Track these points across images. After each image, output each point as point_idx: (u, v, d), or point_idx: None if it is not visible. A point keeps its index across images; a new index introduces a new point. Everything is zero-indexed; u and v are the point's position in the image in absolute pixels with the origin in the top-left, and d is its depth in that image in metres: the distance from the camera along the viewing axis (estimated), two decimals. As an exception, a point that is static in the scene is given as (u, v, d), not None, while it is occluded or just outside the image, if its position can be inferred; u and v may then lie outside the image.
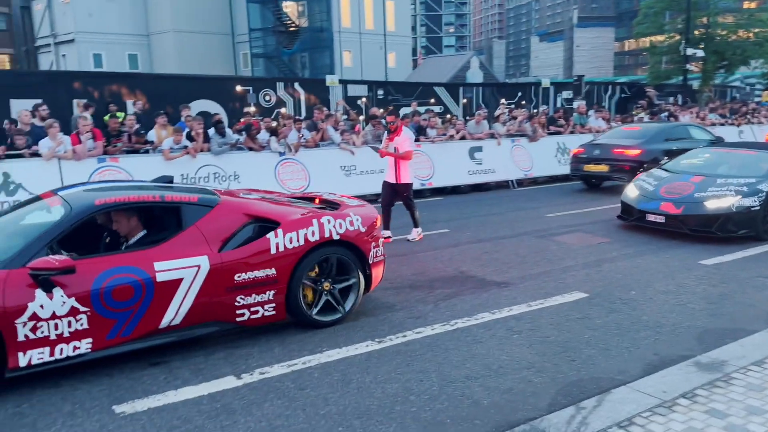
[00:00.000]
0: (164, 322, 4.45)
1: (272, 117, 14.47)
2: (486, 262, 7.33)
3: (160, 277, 4.39)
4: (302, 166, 11.67)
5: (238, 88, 16.65)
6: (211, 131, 11.14)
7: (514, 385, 4.09)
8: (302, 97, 17.42)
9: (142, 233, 4.84)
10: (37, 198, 5.08)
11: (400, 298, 6.00)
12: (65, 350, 4.10)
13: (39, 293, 3.97)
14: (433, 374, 4.26)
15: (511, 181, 14.28)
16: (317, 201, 5.98)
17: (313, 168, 11.73)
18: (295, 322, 5.12)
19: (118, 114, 11.13)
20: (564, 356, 4.56)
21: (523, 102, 21.26)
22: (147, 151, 10.67)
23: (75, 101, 13.29)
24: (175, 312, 4.47)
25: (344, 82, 18.20)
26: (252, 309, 4.81)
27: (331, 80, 17.01)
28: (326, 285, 5.15)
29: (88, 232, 4.84)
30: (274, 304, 4.90)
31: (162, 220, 4.93)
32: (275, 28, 37.91)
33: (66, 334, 4.09)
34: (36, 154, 9.56)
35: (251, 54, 39.05)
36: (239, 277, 4.70)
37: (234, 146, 11.20)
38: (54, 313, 4.02)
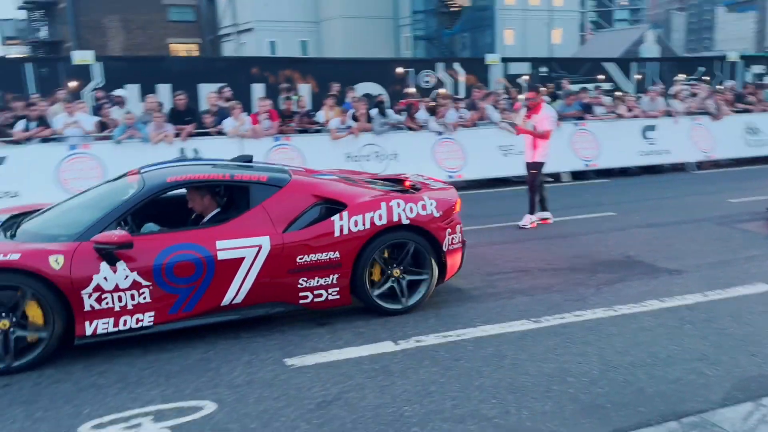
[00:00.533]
0: (226, 300, 4.51)
1: (431, 97, 14.59)
2: (657, 248, 6.84)
3: (221, 256, 4.44)
4: (459, 146, 11.67)
5: (399, 69, 16.98)
6: (374, 111, 11.52)
7: (683, 376, 3.81)
8: (461, 78, 17.35)
9: (215, 211, 4.90)
10: (124, 175, 5.16)
11: (558, 279, 5.82)
12: (128, 322, 4.28)
13: (103, 266, 4.16)
14: (593, 357, 4.11)
15: (689, 163, 13.11)
16: (406, 184, 5.70)
17: (470, 147, 11.68)
18: (364, 307, 4.98)
19: (293, 97, 11.89)
20: (743, 350, 4.15)
21: (706, 77, 19.31)
22: (318, 131, 11.31)
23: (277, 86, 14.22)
24: (236, 291, 4.51)
25: (506, 60, 17.80)
26: (315, 292, 4.74)
27: (491, 59, 16.72)
28: (396, 271, 4.94)
29: (172, 209, 5.03)
30: (338, 288, 4.79)
31: (232, 198, 4.98)
32: (438, 9, 38.03)
33: (129, 307, 4.25)
34: (221, 133, 10.56)
35: (413, 36, 39.58)
36: (301, 259, 4.65)
37: (395, 126, 11.50)
38: (117, 285, 4.19)
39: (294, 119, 11.33)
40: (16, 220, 4.92)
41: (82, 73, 13.95)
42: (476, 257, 6.46)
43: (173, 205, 5.03)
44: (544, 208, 8.27)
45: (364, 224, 4.79)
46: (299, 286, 4.69)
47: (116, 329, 4.27)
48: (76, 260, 4.11)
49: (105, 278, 4.16)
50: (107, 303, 4.20)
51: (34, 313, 4.07)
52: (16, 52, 35.94)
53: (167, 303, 4.36)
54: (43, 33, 39.77)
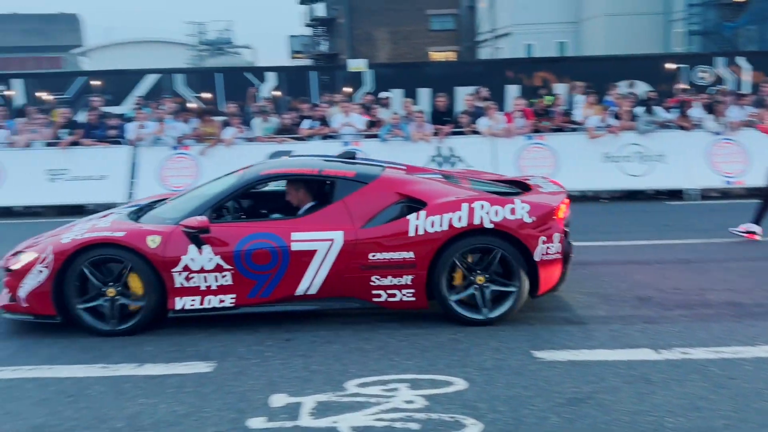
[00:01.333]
0: (300, 289, 4.63)
1: (708, 93, 13.09)
2: None
3: (295, 247, 4.57)
4: (742, 148, 10.27)
5: (670, 65, 15.55)
6: (638, 110, 10.73)
7: None
8: (746, 74, 15.23)
9: (310, 204, 5.00)
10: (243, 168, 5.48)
11: None
12: (212, 301, 4.61)
13: (191, 248, 4.53)
14: None
15: None
16: (528, 185, 5.28)
17: (755, 150, 10.17)
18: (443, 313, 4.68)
19: (547, 98, 11.68)
20: None
21: None
22: (574, 130, 10.94)
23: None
24: (309, 282, 4.61)
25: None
26: (389, 291, 4.63)
27: (788, 50, 14.37)
28: (480, 278, 4.58)
29: (276, 200, 5.32)
30: (413, 290, 4.62)
31: (321, 192, 5.06)
32: (719, 1, 33.92)
33: (213, 287, 4.59)
34: (476, 132, 10.83)
35: (687, 31, 35.88)
36: (373, 256, 4.57)
37: (663, 125, 10.57)
38: (202, 267, 4.54)
39: (549, 118, 11.11)
40: (153, 205, 5.52)
41: (356, 80, 15.50)
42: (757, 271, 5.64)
43: (265, 197, 5.44)
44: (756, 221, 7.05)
45: (441, 225, 4.54)
46: (372, 283, 4.64)
47: (201, 307, 4.63)
48: (171, 242, 4.56)
49: (192, 259, 4.56)
50: (194, 282, 4.59)
51: (135, 284, 4.61)
52: (301, 63, 41.20)
53: (246, 287, 4.63)
54: (324, 46, 45.01)
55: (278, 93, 15.30)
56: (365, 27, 39.27)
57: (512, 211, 4.57)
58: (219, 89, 15.67)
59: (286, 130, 10.98)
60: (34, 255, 4.65)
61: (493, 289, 4.62)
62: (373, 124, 11.20)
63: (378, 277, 4.62)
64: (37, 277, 4.56)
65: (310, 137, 10.82)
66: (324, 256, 4.60)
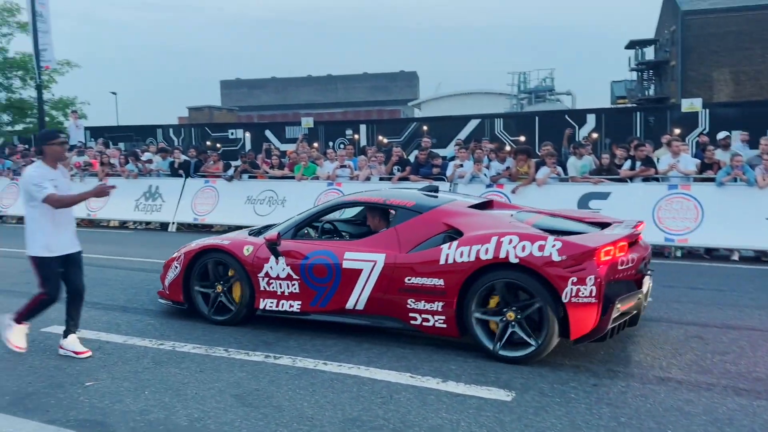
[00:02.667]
0: (349, 304, 5.10)
1: None
2: None
3: (345, 265, 5.09)
4: None
5: None
6: None
7: None
8: None
9: (383, 229, 5.35)
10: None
11: None
12: (284, 305, 5.38)
13: (271, 258, 5.35)
14: None
15: None
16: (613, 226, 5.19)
17: None
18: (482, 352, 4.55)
19: None
20: None
21: None
22: None
23: None
24: (357, 298, 5.05)
25: None
26: (423, 316, 4.82)
27: None
28: (510, 314, 4.46)
29: (361, 225, 6.16)
30: (444, 317, 4.73)
31: (387, 218, 5.54)
32: None
33: (286, 293, 5.37)
34: None
35: None
36: (409, 280, 4.83)
37: None
38: (278, 275, 5.35)
39: None
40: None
41: (687, 121, 14.11)
42: None
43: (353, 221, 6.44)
44: None
45: (468, 256, 4.58)
46: (408, 306, 4.86)
47: (277, 309, 5.42)
48: (260, 252, 5.39)
49: (271, 267, 5.38)
50: (273, 287, 5.41)
51: (236, 292, 5.60)
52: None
53: (309, 296, 5.28)
54: (651, 90, 42.27)
55: (596, 135, 14.77)
56: (701, 68, 35.79)
57: (541, 248, 4.40)
58: (536, 132, 15.85)
59: (605, 171, 10.44)
60: (174, 254, 5.97)
61: (516, 332, 4.47)
62: (707, 167, 9.95)
63: (413, 300, 4.84)
64: (174, 271, 5.85)
65: (631, 179, 10.10)
66: (368, 276, 5.01)
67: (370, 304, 5.03)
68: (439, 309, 4.73)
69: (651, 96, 40.73)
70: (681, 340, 5.11)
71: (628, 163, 10.32)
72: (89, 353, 4.79)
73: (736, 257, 9.26)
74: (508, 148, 13.02)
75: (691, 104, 14.28)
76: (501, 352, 4.52)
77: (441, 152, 14.04)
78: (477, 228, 4.80)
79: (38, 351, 4.93)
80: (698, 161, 10.23)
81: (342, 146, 14.99)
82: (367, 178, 12.13)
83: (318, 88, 65.59)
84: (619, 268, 4.53)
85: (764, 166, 9.18)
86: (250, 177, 13.05)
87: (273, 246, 5.30)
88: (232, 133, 21.02)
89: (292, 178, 12.64)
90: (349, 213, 6.58)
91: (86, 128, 20.88)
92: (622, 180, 10.14)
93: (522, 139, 15.42)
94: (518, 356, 4.47)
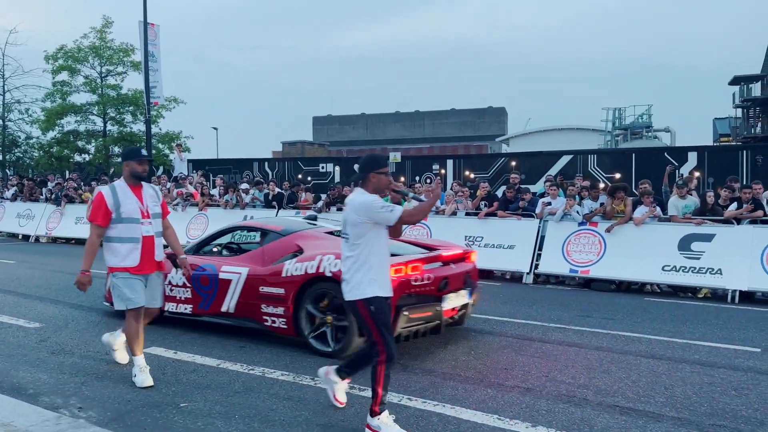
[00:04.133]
0: (224, 308, 6.26)
1: None
2: None
3: (221, 276, 6.28)
4: None
5: None
6: None
7: None
8: None
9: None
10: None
11: None
12: (180, 308, 6.59)
13: (174, 270, 6.00)
14: None
15: None
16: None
17: None
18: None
19: None
20: None
21: None
22: None
23: None
24: (229, 303, 6.21)
25: None
26: (271, 318, 5.92)
27: None
28: (329, 318, 5.56)
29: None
30: (285, 319, 5.81)
31: (265, 240, 6.55)
32: None
33: (182, 298, 6.57)
34: None
35: None
36: (262, 289, 5.97)
37: None
38: (176, 283, 6.54)
39: None
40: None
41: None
42: None
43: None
44: None
45: (299, 270, 5.74)
46: (262, 309, 5.97)
47: (176, 311, 6.60)
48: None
49: (173, 276, 6.48)
50: (174, 293, 6.59)
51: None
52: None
53: (197, 301, 6.47)
54: (757, 129, 39.80)
55: (698, 173, 14.02)
56: (815, 104, 33.38)
57: None
58: (632, 169, 15.25)
59: (709, 212, 9.86)
60: None
61: (326, 332, 5.57)
62: (825, 209, 9.18)
63: (266, 305, 5.94)
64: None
65: (736, 220, 9.48)
66: (236, 285, 6.16)
67: (238, 308, 6.17)
68: (282, 312, 5.84)
69: (758, 134, 38.32)
70: None
71: (734, 204, 9.70)
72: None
73: None
74: (602, 185, 12.57)
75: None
76: (311, 341, 5.66)
77: (532, 188, 13.78)
78: (315, 249, 5.88)
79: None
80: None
81: (428, 181, 15.04)
82: (453, 213, 12.08)
83: (406, 124, 66.55)
84: (413, 283, 5.48)
85: None
86: (339, 210, 13.33)
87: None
88: (323, 167, 21.63)
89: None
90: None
91: (189, 161, 22.14)
92: (728, 222, 9.54)
93: (617, 176, 14.87)
94: (322, 350, 5.57)
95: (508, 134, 56.83)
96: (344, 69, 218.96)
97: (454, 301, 5.88)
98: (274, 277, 5.93)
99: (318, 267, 5.61)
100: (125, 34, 55.07)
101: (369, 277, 3.86)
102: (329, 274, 5.50)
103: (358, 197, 3.99)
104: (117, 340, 5.34)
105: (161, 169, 23.71)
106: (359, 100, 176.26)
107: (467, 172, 18.28)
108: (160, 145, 26.67)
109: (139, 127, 27.31)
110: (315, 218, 7.27)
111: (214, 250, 7.25)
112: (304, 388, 4.78)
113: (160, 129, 26.97)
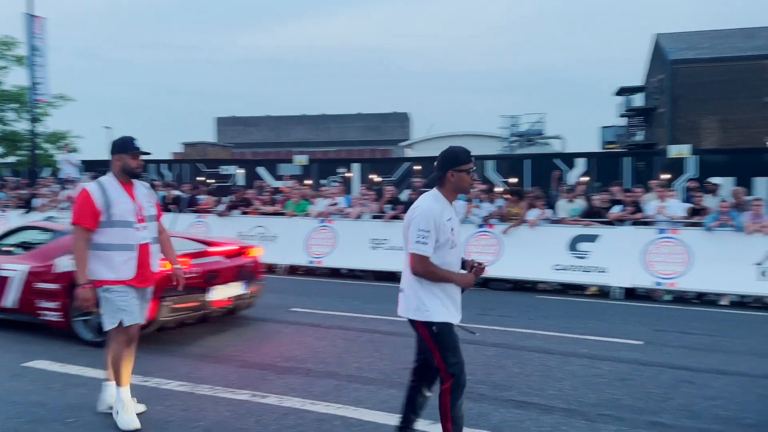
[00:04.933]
0: (5, 303, 6.52)
1: None
2: None
3: (2, 273, 6.53)
4: None
5: None
6: None
7: None
8: None
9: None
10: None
11: None
12: None
13: None
14: None
15: None
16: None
17: None
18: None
19: None
20: None
21: None
22: None
23: None
24: (10, 298, 6.47)
25: None
26: (47, 312, 6.24)
27: None
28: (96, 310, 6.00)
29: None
30: (60, 313, 6.15)
31: (49, 239, 6.71)
32: None
33: None
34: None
35: None
36: (37, 285, 6.29)
37: None
38: None
39: None
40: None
41: (676, 166, 14.30)
42: None
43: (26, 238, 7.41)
44: None
45: (66, 266, 5.91)
46: (37, 305, 6.29)
47: None
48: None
49: None
50: None
51: None
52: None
53: None
54: (639, 137, 42.92)
55: (586, 178, 14.92)
56: (690, 116, 36.46)
57: None
58: (526, 174, 16.00)
59: (594, 214, 10.53)
60: None
61: (90, 321, 5.88)
62: (696, 212, 10.05)
63: (41, 300, 6.25)
64: None
65: (619, 221, 10.17)
66: (16, 281, 6.42)
67: (20, 304, 6.44)
68: (57, 307, 6.16)
69: (640, 141, 41.34)
70: (672, 384, 5.09)
71: (618, 207, 10.41)
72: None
73: (726, 302, 9.28)
74: (498, 189, 13.10)
75: (679, 150, 14.51)
76: (75, 326, 6.04)
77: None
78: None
79: (21, 386, 4.83)
80: (688, 206, 10.35)
81: (335, 184, 15.06)
82: (359, 216, 12.16)
83: (311, 126, 66.13)
84: None
85: (753, 212, 9.31)
86: (242, 213, 13.04)
87: None
88: (224, 169, 21.08)
89: (284, 214, 12.67)
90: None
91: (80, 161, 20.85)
92: (612, 223, 10.22)
93: (513, 180, 15.55)
94: (86, 339, 5.99)
95: (411, 139, 57.89)
96: (249, 71, 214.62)
97: (224, 291, 6.54)
98: (49, 274, 6.26)
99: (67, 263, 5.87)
100: (7, 27, 51.04)
101: (437, 294, 3.30)
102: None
103: (424, 203, 3.32)
104: (108, 392, 4.28)
105: (48, 170, 22.17)
106: (264, 101, 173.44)
107: (373, 176, 18.45)
108: (46, 145, 24.96)
109: (23, 125, 25.44)
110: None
111: (4, 249, 7.12)
112: (202, 398, 4.62)
113: (47, 128, 25.24)
